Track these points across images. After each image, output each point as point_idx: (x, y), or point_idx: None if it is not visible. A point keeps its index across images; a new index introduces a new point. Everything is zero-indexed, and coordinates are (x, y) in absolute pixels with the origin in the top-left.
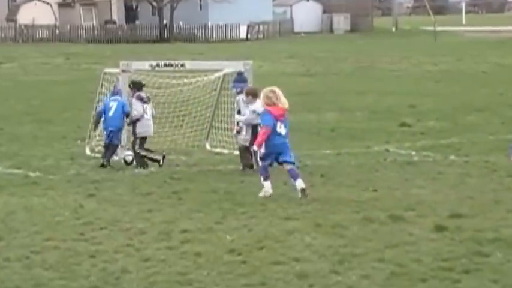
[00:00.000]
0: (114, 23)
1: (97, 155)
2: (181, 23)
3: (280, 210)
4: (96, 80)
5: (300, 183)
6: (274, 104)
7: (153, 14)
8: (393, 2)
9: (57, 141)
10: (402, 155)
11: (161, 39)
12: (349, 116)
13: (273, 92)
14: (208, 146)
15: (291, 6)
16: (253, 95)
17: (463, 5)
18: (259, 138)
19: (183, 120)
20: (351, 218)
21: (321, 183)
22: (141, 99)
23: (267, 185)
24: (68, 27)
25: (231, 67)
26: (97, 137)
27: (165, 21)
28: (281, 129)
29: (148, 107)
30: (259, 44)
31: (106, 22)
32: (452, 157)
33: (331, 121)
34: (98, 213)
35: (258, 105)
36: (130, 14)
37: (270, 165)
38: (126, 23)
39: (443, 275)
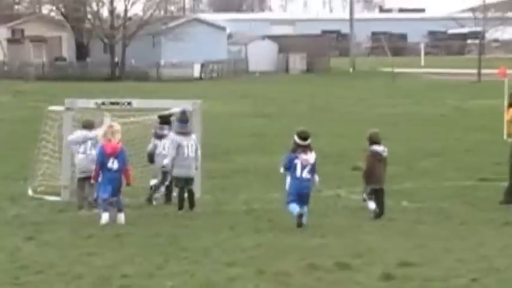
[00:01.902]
0: (65, 60)
1: (39, 195)
2: (133, 61)
3: (224, 255)
4: (42, 119)
5: (121, 218)
6: (109, 140)
7: (105, 51)
8: (351, 42)
9: None
10: (353, 200)
11: (112, 78)
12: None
13: (110, 127)
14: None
15: (246, 44)
16: None
17: (422, 46)
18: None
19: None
20: (296, 265)
21: (268, 228)
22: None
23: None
24: (17, 63)
25: (179, 106)
26: (39, 177)
27: (116, 59)
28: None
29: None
30: (212, 83)
31: (56, 59)
32: (405, 203)
33: None
34: (35, 256)
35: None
36: (82, 51)
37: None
38: (76, 60)
39: None
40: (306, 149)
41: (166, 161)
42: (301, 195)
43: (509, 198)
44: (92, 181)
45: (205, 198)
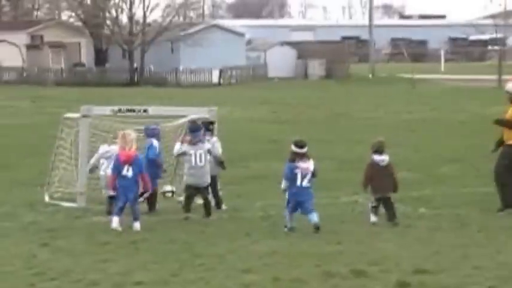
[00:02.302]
0: (83, 65)
1: (55, 202)
2: (151, 67)
3: (239, 262)
4: (59, 125)
5: (136, 226)
6: (123, 149)
7: (124, 57)
8: (370, 48)
9: (16, 187)
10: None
11: (131, 83)
12: (318, 165)
13: (124, 136)
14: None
15: (265, 51)
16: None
17: (442, 52)
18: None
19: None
20: (311, 272)
21: (284, 235)
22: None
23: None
24: (36, 69)
25: (195, 113)
26: (56, 184)
27: (135, 65)
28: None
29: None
30: (231, 89)
31: (75, 65)
32: (423, 210)
33: None
34: (50, 263)
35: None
36: (100, 57)
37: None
38: (95, 66)
39: None
40: (303, 157)
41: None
42: (300, 204)
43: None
44: (110, 191)
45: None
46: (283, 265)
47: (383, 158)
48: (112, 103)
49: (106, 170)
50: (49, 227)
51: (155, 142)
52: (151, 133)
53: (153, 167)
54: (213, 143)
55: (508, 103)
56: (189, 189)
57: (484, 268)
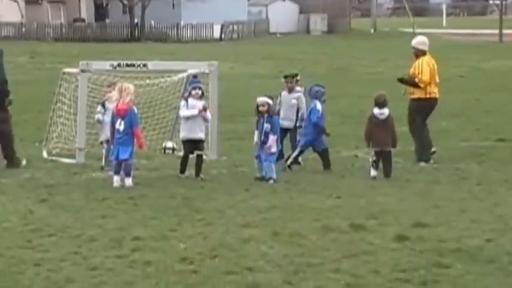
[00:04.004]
0: (83, 21)
1: (54, 158)
2: (152, 22)
3: (238, 217)
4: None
5: (128, 182)
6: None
7: (124, 12)
8: (372, 3)
9: (14, 143)
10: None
11: (132, 39)
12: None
13: (120, 88)
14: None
15: (266, 6)
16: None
17: (444, 7)
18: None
19: (145, 123)
20: (310, 227)
21: (284, 190)
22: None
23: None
24: (35, 25)
25: (195, 68)
26: (54, 139)
27: (136, 20)
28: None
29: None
30: (233, 45)
31: (75, 20)
32: (422, 164)
33: None
34: (48, 219)
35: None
36: (100, 12)
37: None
38: (95, 22)
39: (400, 286)
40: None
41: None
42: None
43: (421, 156)
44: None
45: (221, 160)
46: (282, 219)
47: (382, 112)
48: (112, 59)
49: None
50: (47, 183)
51: (318, 105)
52: (314, 95)
53: (315, 130)
54: (299, 97)
55: (414, 58)
56: (184, 144)
57: (481, 221)
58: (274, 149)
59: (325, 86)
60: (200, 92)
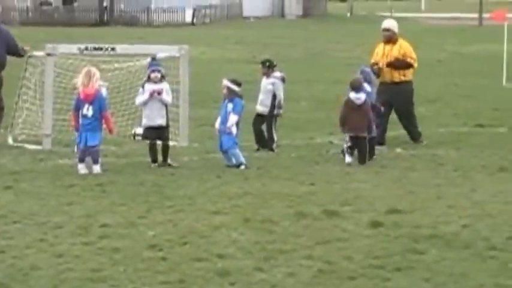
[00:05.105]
0: (50, 4)
1: (20, 144)
2: (122, 6)
3: (209, 204)
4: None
5: (96, 169)
6: (85, 86)
7: None
8: None
9: None
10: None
11: (101, 23)
12: (294, 105)
13: (86, 72)
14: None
15: None
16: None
17: None
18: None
19: (114, 108)
20: (282, 213)
21: (257, 176)
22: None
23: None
24: (0, 8)
25: (165, 52)
26: (20, 125)
27: (105, 4)
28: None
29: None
30: (205, 29)
31: (41, 3)
32: (399, 150)
33: None
34: (13, 206)
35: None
36: None
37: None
38: (63, 5)
39: (374, 272)
40: None
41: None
42: None
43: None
44: (71, 129)
45: (193, 147)
46: (254, 206)
47: (359, 96)
48: (80, 43)
49: None
50: (13, 169)
51: (368, 87)
52: (365, 76)
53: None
54: (274, 83)
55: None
56: (146, 132)
57: (457, 207)
58: (234, 130)
59: (300, 71)
60: (159, 75)
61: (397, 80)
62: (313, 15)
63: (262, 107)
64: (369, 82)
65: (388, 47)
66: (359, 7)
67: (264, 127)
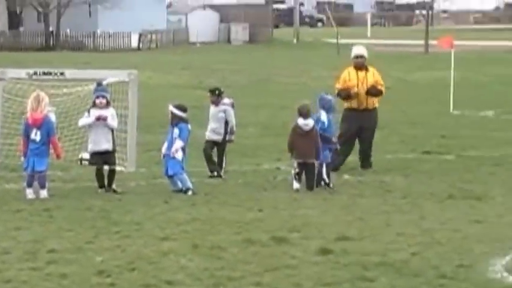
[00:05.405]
0: None
1: None
2: (68, 31)
3: (157, 230)
4: None
5: (43, 194)
6: (34, 110)
7: (39, 20)
8: (295, 12)
9: None
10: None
11: (47, 47)
12: (241, 131)
13: (35, 97)
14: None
15: (186, 14)
16: None
17: (369, 16)
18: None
19: (61, 133)
20: (231, 240)
21: (204, 202)
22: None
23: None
24: None
25: (114, 76)
26: None
27: (51, 28)
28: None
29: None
30: (151, 54)
31: None
32: (346, 176)
33: None
34: None
35: None
36: (14, 20)
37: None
38: (8, 30)
39: None
40: None
41: None
42: None
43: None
44: (18, 154)
45: (140, 172)
46: (202, 232)
47: (307, 123)
48: (27, 68)
49: None
50: None
51: (323, 115)
52: (321, 105)
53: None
54: (226, 110)
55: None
56: (92, 157)
57: (407, 235)
58: (179, 155)
59: (246, 97)
60: (104, 101)
61: (371, 107)
62: (259, 41)
63: (216, 136)
64: (328, 110)
65: (361, 73)
66: (305, 33)
67: (214, 152)
